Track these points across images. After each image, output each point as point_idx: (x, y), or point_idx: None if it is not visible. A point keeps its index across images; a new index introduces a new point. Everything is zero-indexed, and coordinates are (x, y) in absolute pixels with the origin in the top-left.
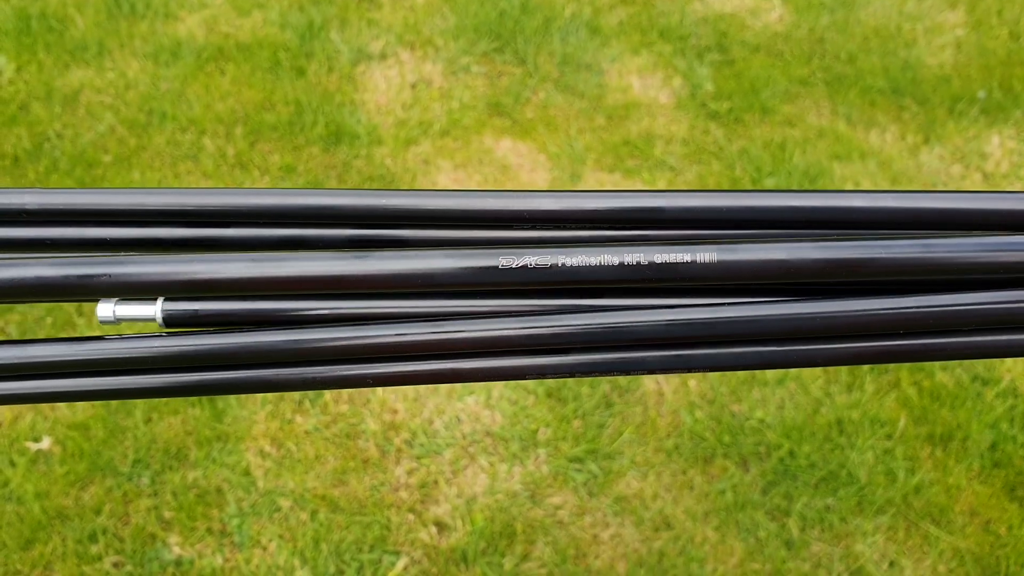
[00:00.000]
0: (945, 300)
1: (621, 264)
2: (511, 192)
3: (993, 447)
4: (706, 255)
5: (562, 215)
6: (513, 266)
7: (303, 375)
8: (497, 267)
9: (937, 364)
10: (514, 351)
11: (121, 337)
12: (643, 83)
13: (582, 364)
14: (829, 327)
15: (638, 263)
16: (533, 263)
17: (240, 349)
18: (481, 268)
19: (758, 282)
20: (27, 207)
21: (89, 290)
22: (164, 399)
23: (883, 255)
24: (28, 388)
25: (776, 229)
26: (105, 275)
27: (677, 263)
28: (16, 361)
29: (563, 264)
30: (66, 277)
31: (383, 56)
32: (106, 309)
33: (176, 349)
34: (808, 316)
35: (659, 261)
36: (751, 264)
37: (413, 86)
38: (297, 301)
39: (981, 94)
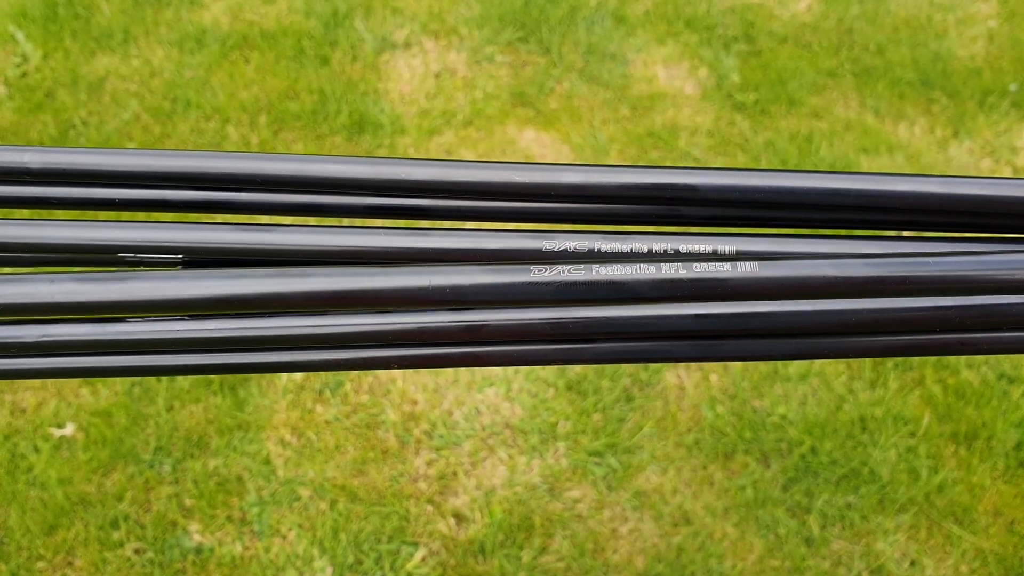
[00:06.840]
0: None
1: (658, 277)
2: (537, 165)
3: (1018, 446)
4: (748, 269)
5: (590, 190)
6: (545, 279)
7: (326, 358)
8: (529, 279)
9: (963, 362)
10: (539, 339)
11: (145, 320)
12: (668, 73)
13: (608, 353)
14: (871, 322)
15: (674, 277)
16: (566, 275)
17: (263, 332)
18: (513, 282)
19: (800, 298)
20: (28, 166)
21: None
22: (188, 379)
23: (933, 272)
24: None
25: (814, 213)
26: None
27: (717, 279)
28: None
29: (598, 276)
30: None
31: (407, 45)
32: None
33: (198, 333)
34: (849, 311)
35: (695, 277)
36: (794, 280)
37: (437, 75)
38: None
39: (1013, 87)
